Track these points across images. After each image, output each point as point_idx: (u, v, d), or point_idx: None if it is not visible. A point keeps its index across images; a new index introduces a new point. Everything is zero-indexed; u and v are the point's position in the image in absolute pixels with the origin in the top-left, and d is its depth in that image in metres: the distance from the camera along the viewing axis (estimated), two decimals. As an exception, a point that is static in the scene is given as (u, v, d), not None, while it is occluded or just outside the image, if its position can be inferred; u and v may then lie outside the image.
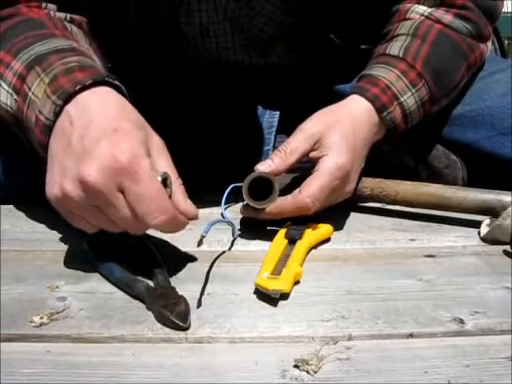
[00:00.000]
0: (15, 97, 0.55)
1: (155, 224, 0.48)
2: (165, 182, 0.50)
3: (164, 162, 0.52)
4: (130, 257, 0.54)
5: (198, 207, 0.68)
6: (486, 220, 0.62)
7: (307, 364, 0.40)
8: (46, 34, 0.59)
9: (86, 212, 0.49)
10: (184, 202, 0.52)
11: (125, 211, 0.47)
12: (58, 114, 0.51)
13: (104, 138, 0.47)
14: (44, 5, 0.64)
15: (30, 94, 0.54)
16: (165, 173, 0.50)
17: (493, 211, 0.61)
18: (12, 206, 0.69)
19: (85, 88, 0.51)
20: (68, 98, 0.50)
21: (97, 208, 0.48)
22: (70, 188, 0.47)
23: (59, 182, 0.48)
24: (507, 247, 0.58)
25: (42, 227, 0.64)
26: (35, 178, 0.67)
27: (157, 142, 0.52)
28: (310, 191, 0.58)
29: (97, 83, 0.51)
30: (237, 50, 0.79)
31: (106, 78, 0.52)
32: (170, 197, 0.50)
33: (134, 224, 0.48)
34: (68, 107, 0.50)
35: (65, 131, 0.50)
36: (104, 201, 0.47)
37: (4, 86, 0.56)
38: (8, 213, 0.68)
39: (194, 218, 0.53)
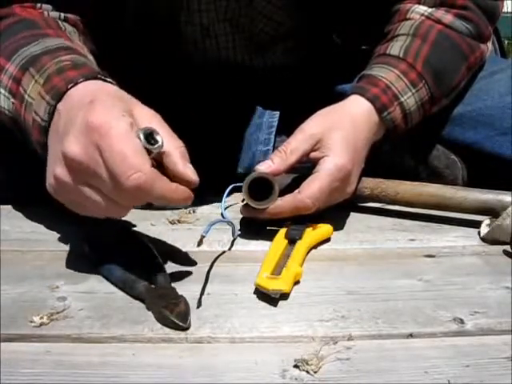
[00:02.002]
0: (12, 100, 0.55)
1: (130, 184, 0.44)
2: (149, 137, 0.47)
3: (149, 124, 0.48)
4: (130, 257, 0.54)
5: (198, 207, 0.69)
6: (486, 220, 0.62)
7: (307, 364, 0.40)
8: (39, 35, 0.59)
9: (80, 194, 0.47)
10: (182, 166, 0.48)
11: (105, 175, 0.45)
12: (51, 113, 0.51)
13: (80, 112, 0.46)
14: (39, 5, 0.64)
15: (26, 96, 0.54)
16: (148, 128, 0.47)
17: (493, 211, 0.61)
18: (12, 206, 0.69)
19: (75, 85, 0.51)
20: (60, 97, 0.50)
21: (88, 186, 0.47)
22: (60, 171, 0.47)
23: (51, 170, 0.48)
24: (507, 247, 0.58)
25: (41, 227, 0.64)
26: (28, 177, 0.67)
27: (145, 114, 0.49)
28: (310, 192, 0.58)
29: (88, 79, 0.51)
30: (237, 51, 0.79)
31: (98, 75, 0.52)
32: (161, 154, 0.47)
33: (115, 190, 0.45)
34: (58, 105, 0.51)
35: (55, 125, 0.50)
36: (88, 171, 0.45)
37: (0, 89, 0.56)
38: (8, 213, 0.68)
39: (192, 184, 0.49)
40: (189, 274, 0.53)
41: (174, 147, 0.49)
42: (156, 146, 0.47)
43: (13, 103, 0.55)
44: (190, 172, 0.49)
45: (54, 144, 0.49)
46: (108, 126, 0.45)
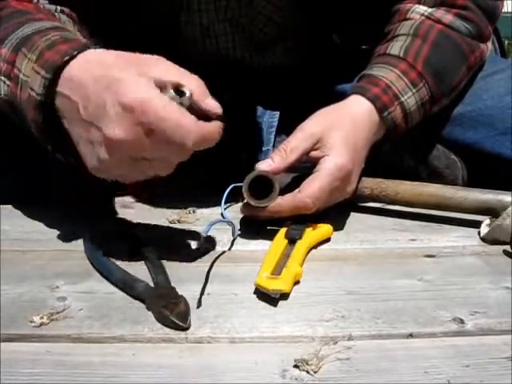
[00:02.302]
0: (8, 82, 0.56)
1: (191, 145, 0.48)
2: (177, 92, 0.50)
3: (163, 72, 0.50)
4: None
5: (198, 207, 0.69)
6: (486, 220, 0.62)
7: (307, 364, 0.40)
8: (30, 19, 0.59)
9: (129, 168, 0.51)
10: (204, 103, 0.51)
11: (159, 148, 0.49)
12: (47, 87, 0.51)
13: (105, 96, 0.48)
14: (35, 0, 0.64)
15: (21, 75, 0.54)
16: (173, 83, 0.50)
17: (493, 211, 0.61)
18: (12, 206, 0.69)
19: (71, 59, 0.51)
20: (56, 70, 0.51)
21: (134, 159, 0.50)
22: (103, 154, 0.49)
23: (93, 153, 0.50)
24: (507, 247, 0.58)
25: (41, 227, 0.64)
26: (28, 177, 0.67)
27: (151, 60, 0.51)
28: (310, 191, 0.58)
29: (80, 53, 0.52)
30: (237, 50, 0.79)
31: (92, 48, 0.53)
32: (190, 107, 0.50)
33: (172, 154, 0.50)
34: (60, 88, 0.51)
35: (70, 111, 0.51)
36: (138, 148, 0.48)
37: None
38: (8, 213, 0.68)
39: (218, 114, 0.52)
40: (189, 273, 0.53)
41: (194, 86, 0.51)
42: (185, 97, 0.50)
43: (8, 86, 0.56)
44: (213, 106, 0.51)
45: (82, 131, 0.50)
46: (145, 106, 0.47)
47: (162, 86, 0.49)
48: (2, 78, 0.56)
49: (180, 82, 0.50)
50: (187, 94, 0.50)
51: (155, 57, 0.51)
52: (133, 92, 0.47)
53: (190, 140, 0.48)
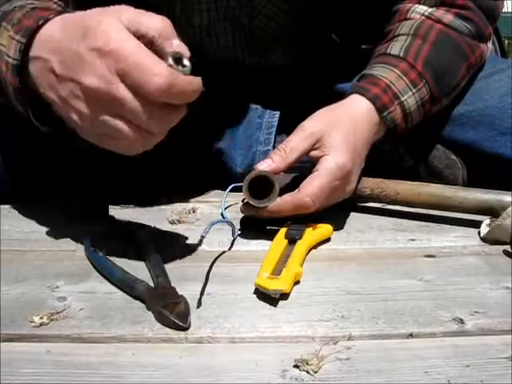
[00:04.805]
0: None
1: (153, 89, 0.44)
2: (178, 60, 0.47)
3: (133, 14, 0.47)
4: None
5: (198, 207, 0.69)
6: (486, 220, 0.61)
7: (307, 364, 0.40)
8: None
9: (105, 125, 0.47)
10: (168, 44, 0.48)
11: (128, 96, 0.45)
12: (23, 51, 0.50)
13: (80, 45, 0.46)
14: None
15: (0, 47, 0.53)
16: (177, 52, 0.47)
17: (493, 211, 0.61)
18: (12, 205, 0.69)
19: (46, 22, 0.49)
20: (32, 33, 0.49)
21: (113, 115, 0.47)
22: (81, 105, 0.47)
23: (74, 110, 0.48)
24: (507, 247, 0.58)
25: (42, 227, 0.64)
26: (37, 173, 0.67)
27: (121, 7, 0.48)
28: (310, 191, 0.58)
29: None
30: (237, 50, 0.79)
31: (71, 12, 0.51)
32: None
33: (140, 106, 0.46)
34: (32, 52, 0.49)
35: (43, 71, 0.49)
36: (112, 97, 0.45)
37: None
38: (8, 213, 0.68)
39: (186, 56, 0.48)
40: (189, 273, 0.53)
41: (159, 26, 0.48)
42: (185, 69, 0.48)
43: None
44: (181, 48, 0.48)
45: (58, 87, 0.48)
46: (115, 46, 0.44)
47: (137, 35, 0.46)
48: None
49: (183, 53, 0.47)
50: (187, 66, 0.48)
51: (124, 6, 0.48)
52: (107, 37, 0.45)
53: (156, 85, 0.44)
